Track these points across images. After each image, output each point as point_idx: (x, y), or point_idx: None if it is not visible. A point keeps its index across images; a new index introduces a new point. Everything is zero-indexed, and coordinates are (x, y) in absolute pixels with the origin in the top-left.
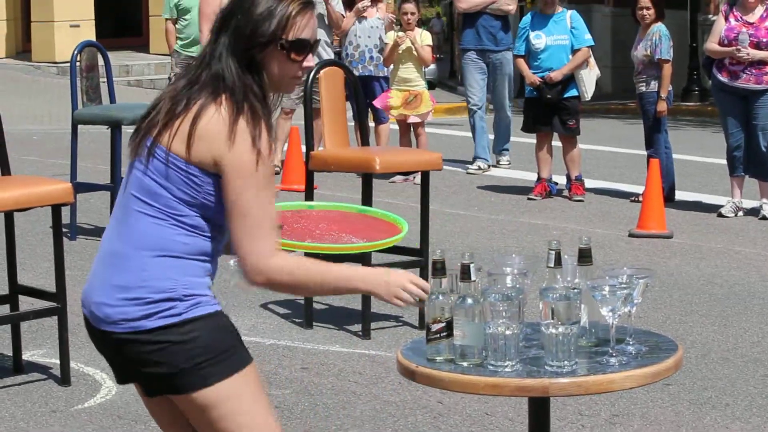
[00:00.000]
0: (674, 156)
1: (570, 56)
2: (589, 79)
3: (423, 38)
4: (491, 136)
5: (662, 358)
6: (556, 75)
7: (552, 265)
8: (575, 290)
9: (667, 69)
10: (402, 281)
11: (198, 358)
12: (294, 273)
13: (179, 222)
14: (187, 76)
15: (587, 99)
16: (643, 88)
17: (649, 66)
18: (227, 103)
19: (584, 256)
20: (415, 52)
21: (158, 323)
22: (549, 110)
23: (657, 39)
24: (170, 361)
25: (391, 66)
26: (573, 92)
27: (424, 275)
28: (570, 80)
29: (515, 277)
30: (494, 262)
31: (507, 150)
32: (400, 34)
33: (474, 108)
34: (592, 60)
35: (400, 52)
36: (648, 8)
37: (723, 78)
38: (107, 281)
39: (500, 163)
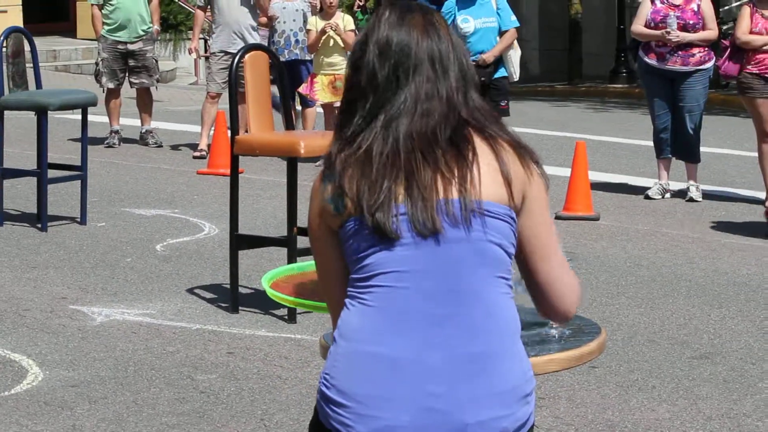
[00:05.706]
0: (602, 138)
1: (497, 38)
2: (515, 59)
3: (346, 23)
4: None
5: (585, 341)
6: (489, 57)
7: None
8: None
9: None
10: None
11: None
12: None
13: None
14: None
15: (515, 79)
16: None
17: None
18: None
19: None
20: (338, 38)
21: (533, 417)
22: (481, 92)
23: None
24: None
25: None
26: (502, 73)
27: None
28: (498, 62)
29: None
30: None
31: None
32: (330, 22)
33: None
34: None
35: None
36: None
37: (650, 60)
38: (487, 391)
39: None
